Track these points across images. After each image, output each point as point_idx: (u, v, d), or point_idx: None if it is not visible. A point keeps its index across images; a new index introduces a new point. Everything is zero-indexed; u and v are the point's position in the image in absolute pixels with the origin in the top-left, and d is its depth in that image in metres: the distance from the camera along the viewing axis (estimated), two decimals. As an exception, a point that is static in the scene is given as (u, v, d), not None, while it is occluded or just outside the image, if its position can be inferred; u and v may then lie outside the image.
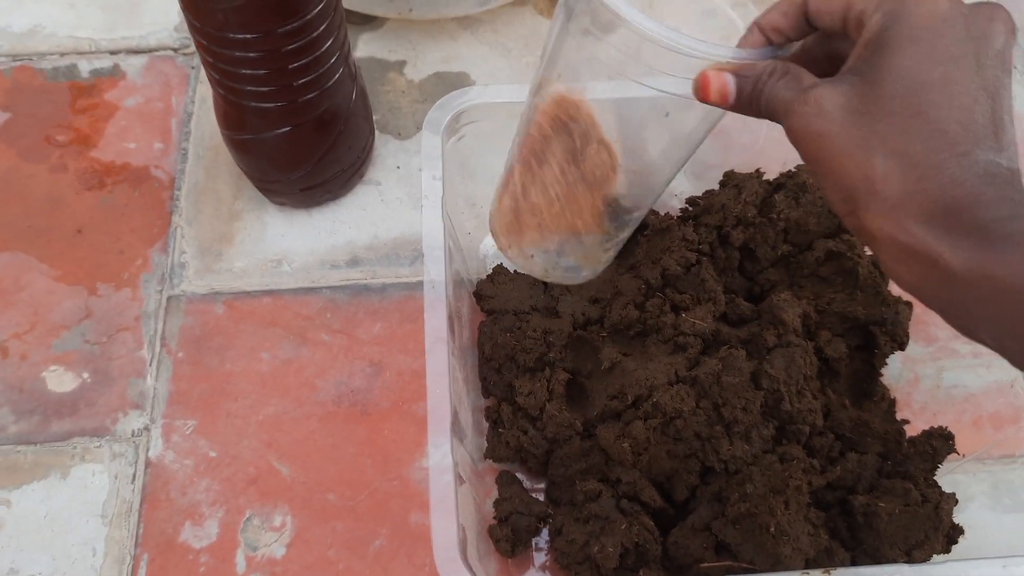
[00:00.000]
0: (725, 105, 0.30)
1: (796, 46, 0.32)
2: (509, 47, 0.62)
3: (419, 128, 0.59)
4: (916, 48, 0.25)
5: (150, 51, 0.61)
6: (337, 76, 0.49)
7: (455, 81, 0.61)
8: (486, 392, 0.47)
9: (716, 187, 0.52)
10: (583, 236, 0.40)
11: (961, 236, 0.24)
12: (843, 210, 0.27)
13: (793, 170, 0.50)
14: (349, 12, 0.59)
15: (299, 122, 0.49)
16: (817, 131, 0.26)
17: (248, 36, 0.43)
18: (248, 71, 0.45)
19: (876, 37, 0.26)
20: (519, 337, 0.46)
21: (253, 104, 0.48)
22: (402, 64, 0.61)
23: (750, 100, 0.29)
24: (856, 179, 0.26)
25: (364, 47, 0.62)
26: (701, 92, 0.30)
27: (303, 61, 0.46)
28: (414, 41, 0.62)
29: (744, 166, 0.52)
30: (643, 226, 0.50)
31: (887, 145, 0.25)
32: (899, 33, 0.26)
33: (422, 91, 0.60)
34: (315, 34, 0.45)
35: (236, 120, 0.49)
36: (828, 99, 0.27)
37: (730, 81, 0.29)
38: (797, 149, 0.28)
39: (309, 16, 0.44)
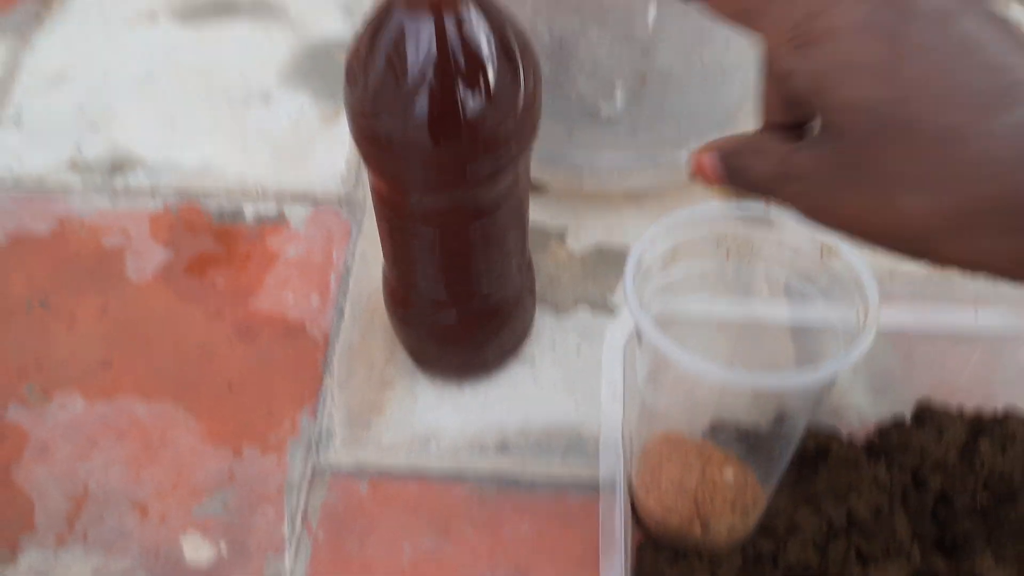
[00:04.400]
0: (716, 183, 0.29)
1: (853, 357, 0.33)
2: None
3: (577, 303, 0.57)
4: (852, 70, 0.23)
5: (315, 200, 0.61)
6: (513, 268, 0.47)
7: (617, 257, 0.59)
8: (642, 625, 0.44)
9: (901, 408, 0.48)
10: None
11: None
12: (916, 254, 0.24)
13: (1000, 415, 0.45)
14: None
15: (468, 310, 0.47)
16: (812, 205, 0.25)
17: (436, 231, 0.42)
18: (428, 263, 0.44)
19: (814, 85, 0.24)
20: (687, 573, 0.42)
21: (424, 290, 0.46)
22: (564, 233, 0.60)
23: (740, 183, 0.28)
24: (897, 231, 0.23)
25: (526, 212, 0.61)
26: (697, 174, 0.29)
27: (484, 256, 0.44)
28: (578, 210, 0.61)
29: (932, 391, 0.49)
30: (825, 451, 0.46)
31: (896, 180, 0.22)
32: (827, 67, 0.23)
33: (583, 265, 0.58)
34: (500, 232, 0.44)
35: (403, 300, 0.48)
36: (806, 168, 0.25)
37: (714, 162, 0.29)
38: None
39: (498, 215, 0.43)
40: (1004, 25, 0.23)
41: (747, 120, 0.56)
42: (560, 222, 0.60)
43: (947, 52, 0.22)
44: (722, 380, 0.36)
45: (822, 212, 0.25)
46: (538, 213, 0.61)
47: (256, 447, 0.51)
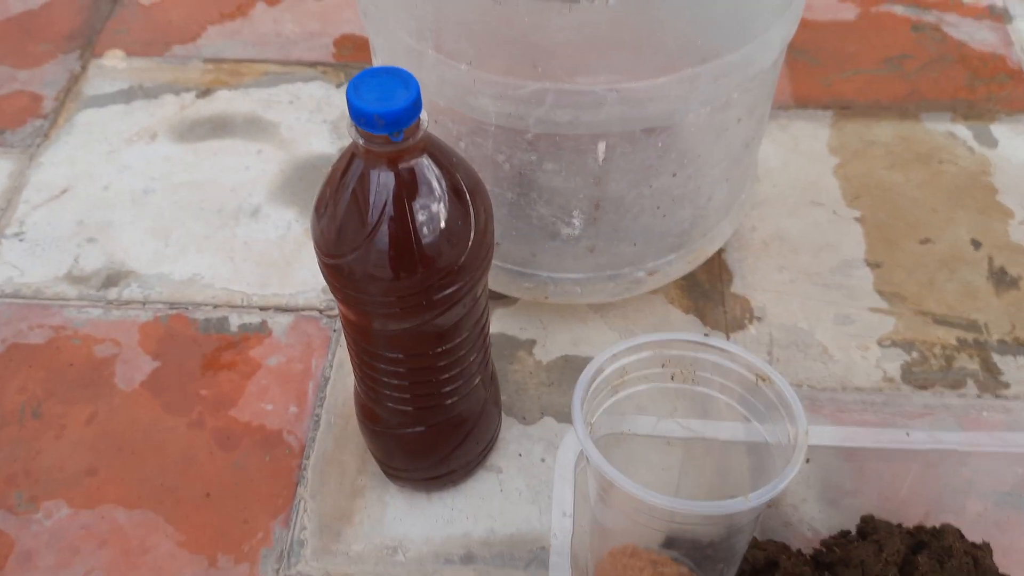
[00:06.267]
0: None
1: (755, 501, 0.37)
2: (638, 335, 0.63)
3: (543, 413, 0.59)
4: None
5: (297, 310, 0.65)
6: (476, 383, 0.50)
7: (582, 366, 0.61)
8: None
9: (849, 524, 0.50)
10: None
11: None
12: None
13: (938, 527, 0.47)
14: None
15: (434, 423, 0.50)
16: None
17: (401, 356, 0.45)
18: (394, 380, 0.47)
19: None
20: None
21: (391, 405, 0.49)
22: (532, 344, 0.63)
23: None
24: None
25: (496, 323, 0.64)
26: None
27: (448, 375, 0.47)
28: (545, 321, 0.64)
29: (881, 502, 0.51)
30: (774, 564, 0.48)
31: None
32: None
33: (549, 374, 0.61)
34: (463, 352, 0.47)
35: (372, 414, 0.51)
36: None
37: None
38: None
39: (461, 339, 0.46)
40: None
41: (697, 241, 0.59)
42: (528, 333, 0.63)
43: None
44: (663, 507, 0.38)
45: None
46: (507, 324, 0.64)
47: (230, 556, 0.53)
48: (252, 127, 0.77)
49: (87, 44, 0.85)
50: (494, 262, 0.58)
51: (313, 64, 0.83)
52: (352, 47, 0.85)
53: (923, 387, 0.59)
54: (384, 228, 0.39)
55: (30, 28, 0.87)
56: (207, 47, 0.85)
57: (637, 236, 0.56)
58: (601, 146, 0.50)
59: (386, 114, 0.36)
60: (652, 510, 0.39)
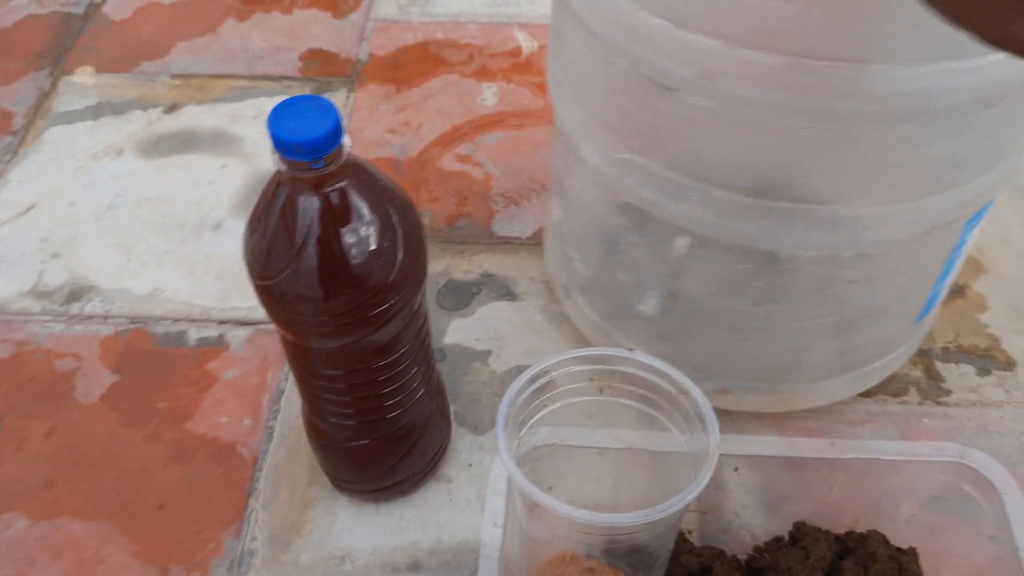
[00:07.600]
0: None
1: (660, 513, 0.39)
2: (591, 342, 0.64)
3: (495, 423, 0.60)
4: None
5: (255, 324, 0.66)
6: (419, 395, 0.51)
7: (535, 377, 0.62)
8: None
9: (787, 530, 0.51)
10: None
11: None
12: None
13: (864, 533, 0.48)
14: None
15: (378, 436, 0.51)
16: None
17: (341, 372, 0.46)
18: (336, 396, 0.48)
19: None
20: None
21: (335, 420, 0.50)
22: (487, 354, 0.64)
23: None
24: None
25: (453, 334, 0.65)
26: None
27: (390, 389, 0.48)
28: (501, 332, 0.65)
29: (818, 508, 0.52)
30: (708, 569, 0.49)
31: None
32: None
33: (503, 384, 0.62)
34: (404, 366, 0.48)
35: (317, 429, 0.52)
36: None
37: None
38: None
39: (400, 353, 0.47)
40: None
41: (785, 385, 0.55)
42: (484, 344, 0.64)
43: None
44: (582, 521, 0.39)
45: None
46: (463, 336, 0.65)
47: (182, 566, 0.54)
48: (217, 142, 0.79)
49: (58, 61, 0.87)
50: (583, 308, 0.59)
51: (279, 78, 0.84)
52: (319, 61, 0.86)
53: (866, 394, 0.60)
54: (311, 250, 0.41)
55: (3, 46, 0.88)
56: (175, 63, 0.86)
57: (711, 347, 0.53)
58: (682, 240, 0.47)
59: (306, 142, 0.37)
60: (571, 524, 0.40)
